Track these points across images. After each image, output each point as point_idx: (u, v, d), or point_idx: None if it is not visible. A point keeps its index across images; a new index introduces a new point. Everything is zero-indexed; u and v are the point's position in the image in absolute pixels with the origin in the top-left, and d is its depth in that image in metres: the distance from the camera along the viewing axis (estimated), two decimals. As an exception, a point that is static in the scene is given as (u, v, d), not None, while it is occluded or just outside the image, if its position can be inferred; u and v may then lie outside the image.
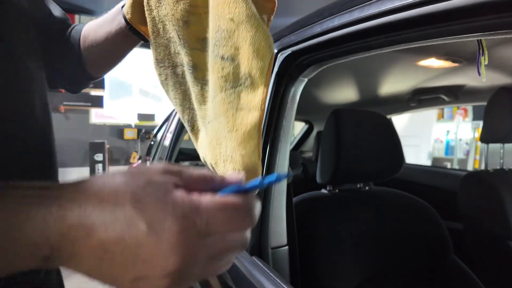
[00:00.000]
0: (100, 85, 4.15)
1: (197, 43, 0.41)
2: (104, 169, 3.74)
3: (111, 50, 0.56)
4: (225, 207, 0.23)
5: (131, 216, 0.22)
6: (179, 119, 1.64)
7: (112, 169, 4.13)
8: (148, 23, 0.46)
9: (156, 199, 0.22)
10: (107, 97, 4.47)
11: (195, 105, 0.46)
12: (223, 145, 0.38)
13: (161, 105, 4.80)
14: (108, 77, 4.28)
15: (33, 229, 0.21)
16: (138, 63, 4.85)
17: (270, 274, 0.59)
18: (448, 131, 4.45)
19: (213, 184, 0.26)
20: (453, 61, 1.06)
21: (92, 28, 0.55)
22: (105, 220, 0.22)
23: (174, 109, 1.90)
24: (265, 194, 0.66)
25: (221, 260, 0.25)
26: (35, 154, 0.43)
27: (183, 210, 0.22)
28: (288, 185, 0.70)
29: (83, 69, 0.58)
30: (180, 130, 1.62)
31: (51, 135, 0.47)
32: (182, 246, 0.22)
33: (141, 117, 4.40)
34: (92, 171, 3.70)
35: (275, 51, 0.74)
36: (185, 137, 1.72)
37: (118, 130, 4.34)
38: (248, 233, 0.26)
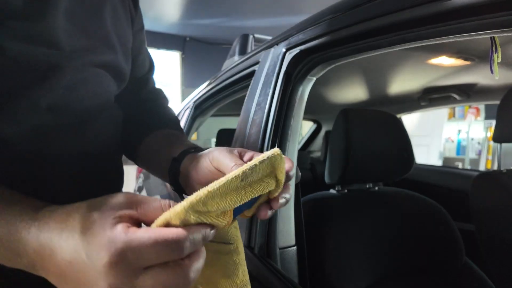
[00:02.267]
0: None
1: None
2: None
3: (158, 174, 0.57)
4: (156, 241, 0.25)
5: (77, 245, 0.26)
6: (186, 120, 1.65)
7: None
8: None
9: (99, 232, 0.25)
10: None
11: None
12: None
13: (169, 105, 4.81)
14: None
15: (18, 243, 0.27)
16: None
17: (279, 274, 0.58)
18: (459, 131, 4.38)
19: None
20: (465, 59, 1.04)
21: (149, 154, 0.56)
22: (62, 245, 0.26)
23: (181, 110, 1.90)
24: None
25: None
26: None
27: (116, 244, 0.24)
28: (296, 185, 0.69)
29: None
30: (187, 131, 1.63)
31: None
32: (112, 277, 0.24)
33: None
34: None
35: (284, 50, 0.74)
36: (193, 137, 1.73)
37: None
38: (190, 273, 0.26)
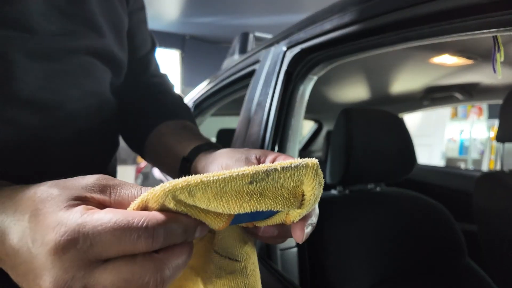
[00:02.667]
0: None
1: None
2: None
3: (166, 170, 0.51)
4: (116, 224, 0.19)
5: (25, 228, 0.21)
6: None
7: (120, 168, 4.16)
8: None
9: (50, 212, 0.20)
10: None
11: None
12: None
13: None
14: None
15: None
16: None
17: (279, 276, 0.58)
18: (462, 130, 4.37)
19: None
20: (467, 58, 1.03)
21: (158, 153, 0.50)
22: (12, 228, 0.21)
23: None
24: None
25: None
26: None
27: (66, 227, 0.19)
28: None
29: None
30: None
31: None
32: (59, 269, 0.19)
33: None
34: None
35: (284, 49, 0.73)
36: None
37: (126, 131, 4.41)
38: (165, 270, 0.20)
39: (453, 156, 4.40)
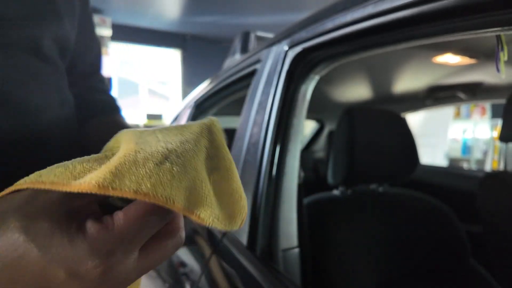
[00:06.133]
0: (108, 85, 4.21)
1: None
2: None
3: None
4: (138, 220, 0.19)
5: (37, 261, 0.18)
6: (187, 119, 1.64)
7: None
8: None
9: (66, 236, 0.18)
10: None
11: None
12: None
13: (169, 104, 4.86)
14: (116, 76, 4.31)
15: None
16: (145, 62, 4.92)
17: (281, 276, 0.57)
18: (465, 130, 4.34)
19: None
20: (470, 57, 1.03)
21: None
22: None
23: (182, 109, 1.88)
24: (275, 195, 0.65)
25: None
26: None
27: (105, 246, 0.18)
28: (299, 186, 0.68)
29: None
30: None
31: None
32: (109, 284, 0.19)
33: (150, 117, 4.44)
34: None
35: (286, 48, 0.73)
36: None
37: (127, 130, 4.40)
38: (181, 233, 0.23)
39: (456, 156, 4.38)
